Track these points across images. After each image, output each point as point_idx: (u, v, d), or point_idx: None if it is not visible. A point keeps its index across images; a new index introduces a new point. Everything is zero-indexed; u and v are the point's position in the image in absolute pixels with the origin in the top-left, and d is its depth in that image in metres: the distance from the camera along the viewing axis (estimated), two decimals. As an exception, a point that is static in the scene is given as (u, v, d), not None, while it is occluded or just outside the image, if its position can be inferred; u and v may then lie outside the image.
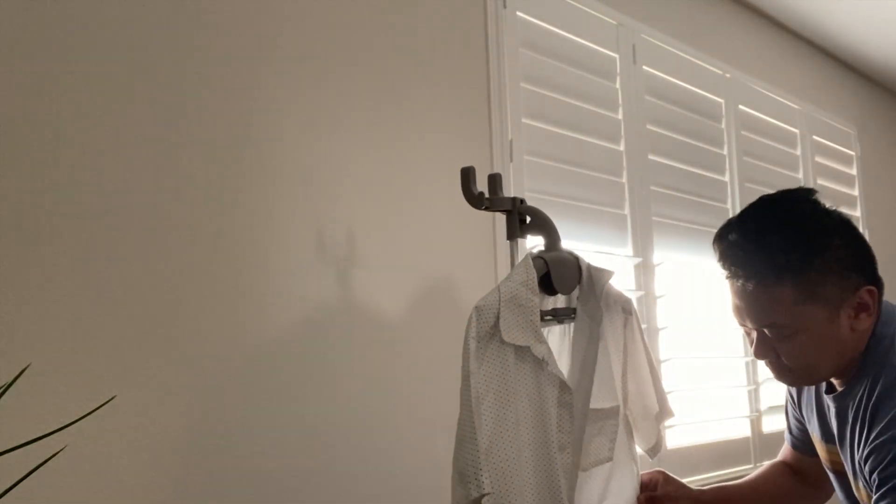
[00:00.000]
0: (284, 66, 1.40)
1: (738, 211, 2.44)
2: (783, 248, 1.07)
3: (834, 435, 1.23)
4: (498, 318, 1.04)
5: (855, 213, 3.23)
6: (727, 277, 1.12)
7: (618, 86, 2.11)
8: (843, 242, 1.11)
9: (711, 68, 2.50)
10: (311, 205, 1.40)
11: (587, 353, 1.15)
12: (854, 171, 3.27)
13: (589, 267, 1.19)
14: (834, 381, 1.19)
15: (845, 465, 1.22)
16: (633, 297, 2.00)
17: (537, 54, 1.89)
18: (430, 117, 1.63)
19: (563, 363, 1.20)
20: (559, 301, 1.22)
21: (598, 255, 1.92)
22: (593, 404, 1.16)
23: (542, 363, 1.06)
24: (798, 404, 1.39)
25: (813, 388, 1.29)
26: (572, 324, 1.20)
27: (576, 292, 1.20)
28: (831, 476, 1.31)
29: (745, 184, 2.53)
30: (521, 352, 1.06)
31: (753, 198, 2.70)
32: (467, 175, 1.20)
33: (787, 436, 1.48)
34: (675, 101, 2.33)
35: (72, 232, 1.12)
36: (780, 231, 1.09)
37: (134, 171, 1.19)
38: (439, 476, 1.52)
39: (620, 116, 2.10)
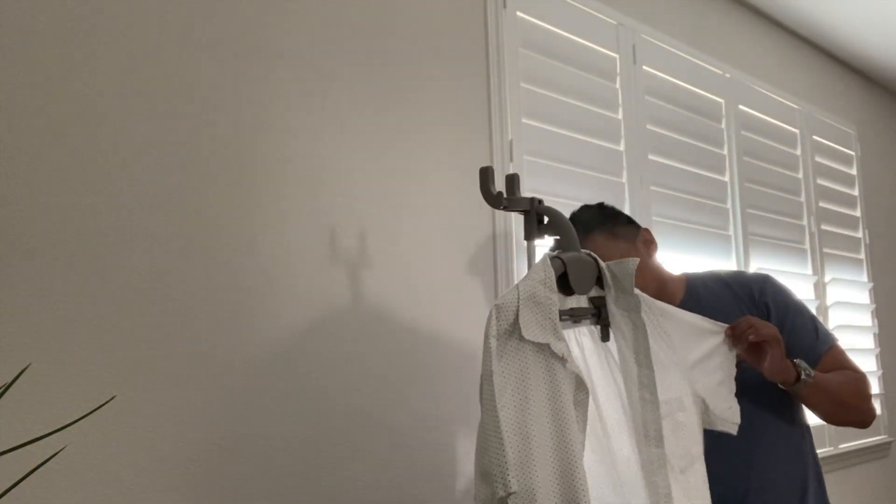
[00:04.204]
0: (289, 70, 1.40)
1: (738, 211, 2.46)
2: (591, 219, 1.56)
3: None
4: (517, 315, 1.04)
5: (855, 213, 3.23)
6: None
7: (618, 86, 2.11)
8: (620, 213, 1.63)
9: (711, 68, 2.50)
10: (313, 206, 1.40)
11: (637, 344, 1.15)
12: (854, 171, 3.27)
13: (608, 266, 1.19)
14: None
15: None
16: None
17: (537, 54, 1.89)
18: (431, 118, 1.63)
19: (595, 363, 1.20)
20: (581, 302, 1.22)
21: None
22: (663, 394, 1.16)
23: (562, 360, 1.06)
24: None
25: None
26: (597, 328, 1.20)
27: (594, 292, 1.20)
28: None
29: (745, 184, 2.53)
30: (540, 349, 1.06)
31: (753, 198, 2.69)
32: (486, 174, 1.21)
33: None
34: (675, 101, 2.33)
35: (72, 232, 1.12)
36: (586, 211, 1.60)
37: (137, 173, 1.19)
38: (446, 476, 1.52)
39: (620, 116, 2.10)
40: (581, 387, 1.07)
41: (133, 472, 1.14)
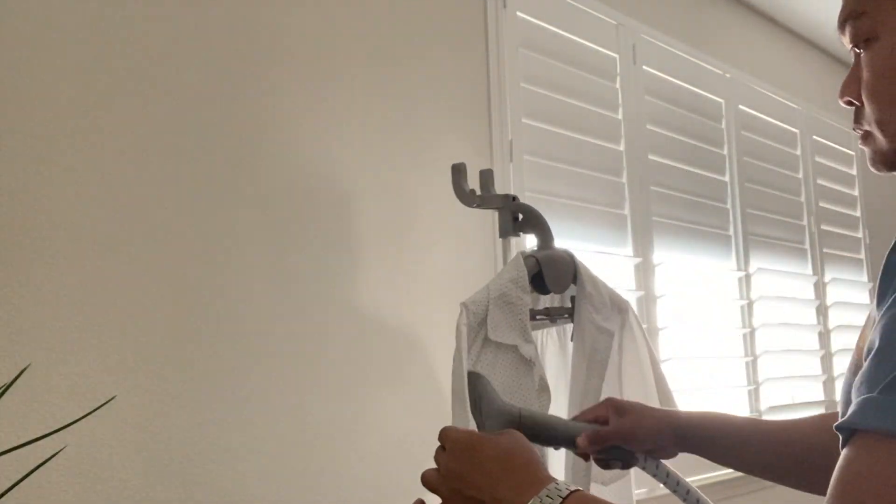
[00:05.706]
0: (286, 68, 1.40)
1: (738, 211, 2.46)
2: None
3: None
4: (486, 315, 1.03)
5: (855, 213, 3.23)
6: None
7: (618, 86, 2.11)
8: None
9: (711, 68, 2.50)
10: (312, 204, 1.40)
11: (594, 353, 1.14)
12: (854, 171, 3.27)
13: (583, 265, 1.18)
14: None
15: None
16: (633, 297, 2.00)
17: (537, 54, 1.89)
18: (431, 117, 1.63)
19: (556, 364, 1.19)
20: (555, 301, 1.21)
21: (598, 254, 1.92)
22: None
23: (529, 363, 1.05)
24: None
25: None
26: (567, 325, 1.19)
27: (571, 291, 1.18)
28: None
29: (745, 184, 2.53)
30: (506, 350, 1.04)
31: (753, 198, 2.68)
32: (457, 172, 1.18)
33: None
34: (675, 101, 2.33)
35: (72, 232, 1.12)
36: None
37: (135, 172, 1.19)
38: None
39: (620, 116, 2.10)
40: (544, 391, 1.05)
41: (133, 472, 1.14)
